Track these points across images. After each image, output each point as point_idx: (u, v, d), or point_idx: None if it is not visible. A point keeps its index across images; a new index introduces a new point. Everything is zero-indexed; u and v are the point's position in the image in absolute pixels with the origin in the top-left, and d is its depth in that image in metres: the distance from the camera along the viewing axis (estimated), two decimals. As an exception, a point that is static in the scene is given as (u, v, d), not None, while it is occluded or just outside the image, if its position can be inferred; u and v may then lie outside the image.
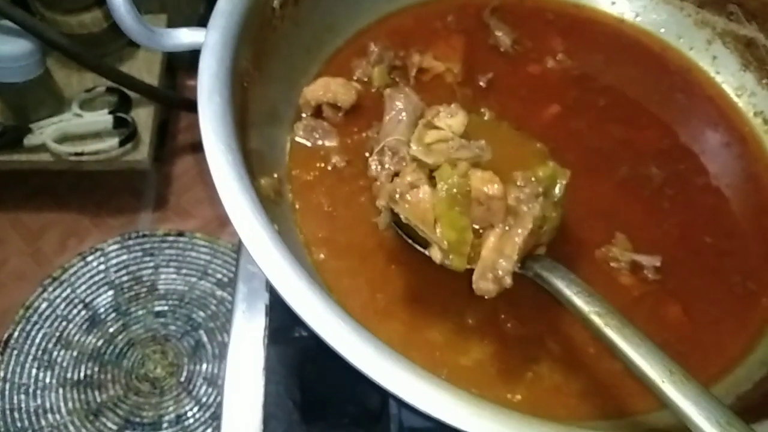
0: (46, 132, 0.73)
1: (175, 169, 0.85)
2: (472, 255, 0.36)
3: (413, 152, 0.37)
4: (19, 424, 0.68)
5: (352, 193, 0.45)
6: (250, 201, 0.35)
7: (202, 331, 0.74)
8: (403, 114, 0.44)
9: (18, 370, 0.71)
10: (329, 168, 0.46)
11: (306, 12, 0.50)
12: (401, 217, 0.35)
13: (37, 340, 0.72)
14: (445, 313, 0.40)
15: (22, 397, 0.70)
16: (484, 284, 0.35)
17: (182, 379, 0.72)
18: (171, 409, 0.70)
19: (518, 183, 0.35)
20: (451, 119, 0.39)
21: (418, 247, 0.37)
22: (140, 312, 0.75)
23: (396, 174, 0.39)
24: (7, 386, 0.70)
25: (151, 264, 0.77)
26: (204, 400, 0.71)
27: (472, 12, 0.60)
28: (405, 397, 0.31)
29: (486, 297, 0.35)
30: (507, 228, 0.36)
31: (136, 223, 0.81)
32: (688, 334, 0.41)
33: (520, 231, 0.35)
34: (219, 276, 0.76)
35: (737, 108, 0.52)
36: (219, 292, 0.76)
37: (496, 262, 0.35)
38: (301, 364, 0.50)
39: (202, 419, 0.70)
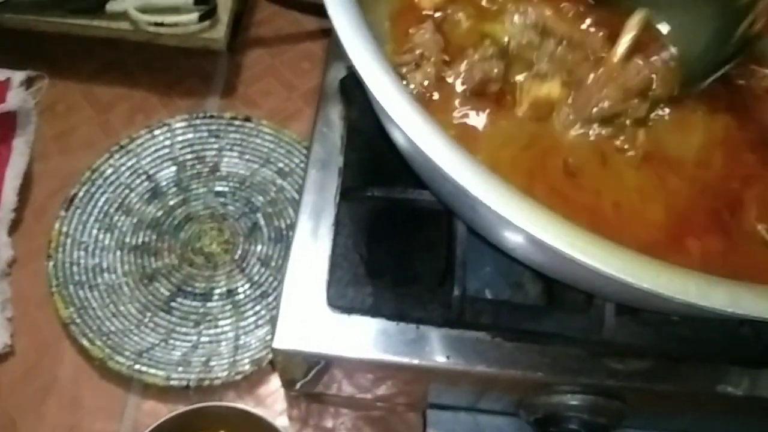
0: (128, 0, 0.74)
1: (245, 60, 0.85)
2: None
3: None
4: (77, 278, 0.69)
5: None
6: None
7: (259, 215, 0.75)
8: None
9: (80, 228, 0.72)
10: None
11: None
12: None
13: (100, 203, 0.74)
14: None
15: (82, 253, 0.71)
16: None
17: (236, 257, 0.73)
18: (223, 283, 0.71)
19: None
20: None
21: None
22: (201, 190, 0.76)
23: None
24: (69, 241, 0.71)
25: (216, 146, 0.78)
26: (256, 278, 0.71)
27: None
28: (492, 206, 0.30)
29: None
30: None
31: (204, 107, 0.82)
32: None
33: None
34: (281, 165, 0.77)
35: None
36: (279, 181, 0.76)
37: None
38: (370, 223, 0.50)
39: (252, 296, 0.70)
